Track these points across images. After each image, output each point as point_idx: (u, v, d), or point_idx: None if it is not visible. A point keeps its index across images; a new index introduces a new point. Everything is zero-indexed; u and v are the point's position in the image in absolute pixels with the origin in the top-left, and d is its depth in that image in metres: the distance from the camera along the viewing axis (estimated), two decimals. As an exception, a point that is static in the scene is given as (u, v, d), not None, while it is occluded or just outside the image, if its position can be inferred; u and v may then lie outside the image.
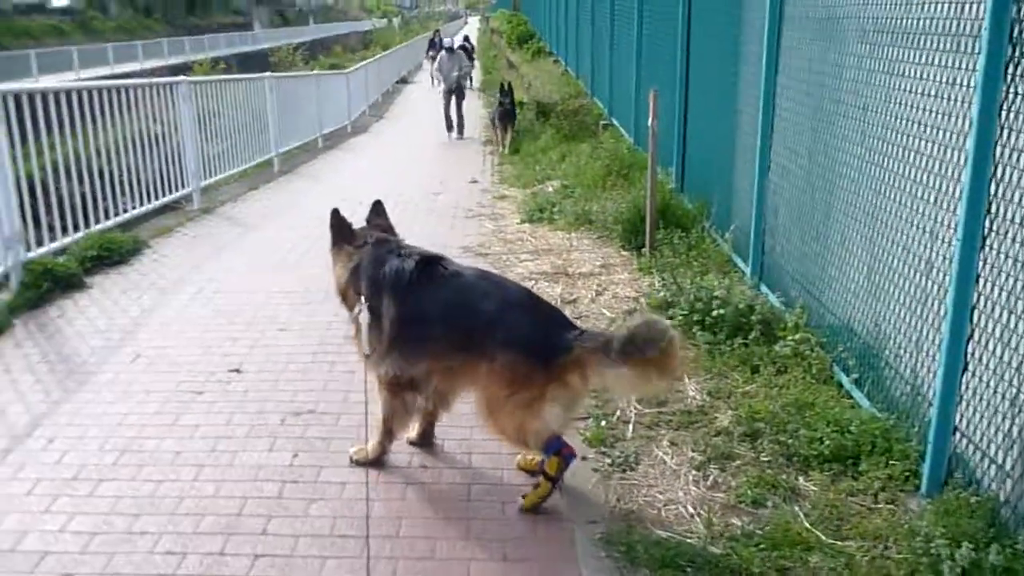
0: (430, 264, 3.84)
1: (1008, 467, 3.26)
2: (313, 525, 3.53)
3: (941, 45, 3.80)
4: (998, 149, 3.32)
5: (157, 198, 9.29)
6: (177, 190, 9.73)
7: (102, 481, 3.87)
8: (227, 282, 6.97)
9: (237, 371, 5.10)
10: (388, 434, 3.99)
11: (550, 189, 10.45)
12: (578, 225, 8.55)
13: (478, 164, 13.49)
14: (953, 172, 3.70)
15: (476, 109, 19.88)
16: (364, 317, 3.74)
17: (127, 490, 3.80)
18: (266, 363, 5.22)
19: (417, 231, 8.61)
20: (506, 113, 15.00)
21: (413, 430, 4.17)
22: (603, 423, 4.38)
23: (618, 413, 4.49)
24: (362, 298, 3.81)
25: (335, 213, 4.16)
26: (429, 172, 12.80)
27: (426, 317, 3.74)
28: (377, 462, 4.00)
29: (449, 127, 17.09)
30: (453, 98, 17.00)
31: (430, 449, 4.19)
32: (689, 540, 3.41)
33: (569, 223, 8.65)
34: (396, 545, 3.41)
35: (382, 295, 3.79)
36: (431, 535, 3.48)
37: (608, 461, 4.04)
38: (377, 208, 4.33)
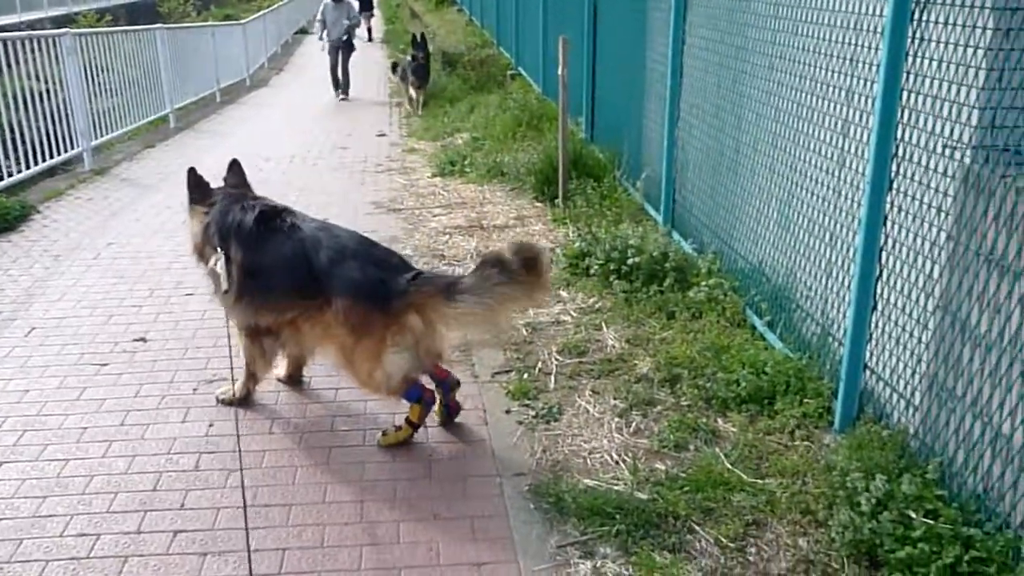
0: (270, 216, 3.89)
1: (916, 401, 3.39)
2: (234, 497, 3.43)
3: (846, -11, 3.84)
4: (904, 95, 3.39)
5: (44, 160, 8.81)
6: (66, 151, 9.25)
7: (3, 463, 3.68)
8: (126, 247, 6.67)
9: (143, 340, 4.89)
10: (251, 377, 4.14)
11: (460, 142, 10.33)
12: (490, 177, 8.49)
13: (385, 117, 13.22)
14: (861, 117, 3.76)
15: (379, 62, 19.40)
16: (220, 266, 3.80)
17: (31, 471, 3.62)
18: (174, 331, 5.04)
19: (326, 188, 8.43)
20: (420, 68, 13.33)
21: (282, 369, 4.35)
22: (525, 376, 4.38)
23: (540, 365, 4.50)
24: (218, 249, 3.86)
25: (191, 172, 4.24)
26: (334, 126, 12.48)
27: (266, 269, 3.81)
28: (244, 402, 4.13)
29: (336, 85, 15.56)
30: (340, 54, 15.24)
31: (298, 388, 4.35)
32: (616, 487, 3.45)
33: (481, 175, 8.58)
34: (323, 511, 3.34)
35: (230, 245, 3.86)
36: (358, 498, 3.42)
37: (532, 413, 4.05)
38: (233, 167, 4.32)
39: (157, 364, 4.59)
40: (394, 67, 14.82)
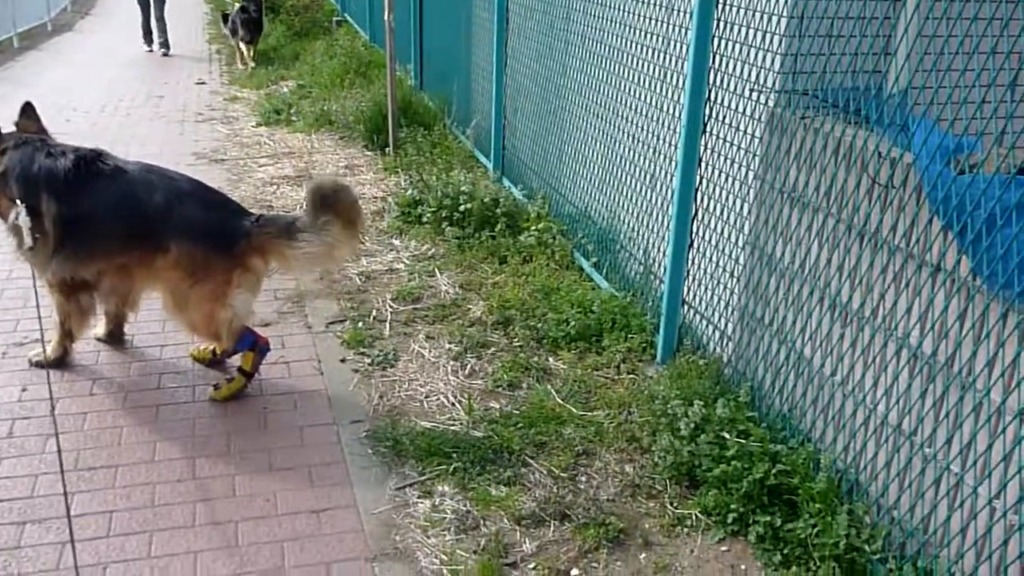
0: (90, 161, 3.67)
1: (729, 331, 3.64)
2: (53, 462, 3.25)
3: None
4: (715, 42, 3.57)
5: None
6: None
7: None
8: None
9: (-59, 303, 4.52)
10: (67, 335, 3.91)
11: (285, 90, 9.98)
12: (318, 126, 8.27)
13: (204, 64, 12.57)
14: (676, 63, 3.93)
15: (197, 10, 18.33)
16: (24, 219, 3.52)
17: None
18: (-24, 292, 4.67)
19: (142, 138, 7.98)
20: (251, 21, 11.89)
21: (101, 327, 4.14)
22: (360, 324, 4.36)
23: (374, 313, 4.49)
24: (18, 201, 3.58)
25: None
26: (150, 74, 11.73)
27: (91, 216, 3.61)
28: (59, 363, 3.89)
29: (148, 37, 13.30)
30: (153, 9, 13.08)
31: (120, 346, 4.16)
32: (452, 427, 3.52)
33: (309, 124, 8.35)
34: (153, 470, 3.23)
35: (39, 195, 3.59)
36: (189, 455, 3.33)
37: (368, 361, 4.05)
38: (27, 110, 3.99)
39: (-42, 328, 4.26)
40: (225, 19, 12.85)
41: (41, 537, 2.87)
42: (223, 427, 3.53)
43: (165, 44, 13.10)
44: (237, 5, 12.20)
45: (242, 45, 11.98)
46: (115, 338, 4.16)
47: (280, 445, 3.42)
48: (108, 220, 3.59)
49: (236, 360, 3.80)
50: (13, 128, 3.89)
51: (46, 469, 3.22)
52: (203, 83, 10.93)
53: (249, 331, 3.69)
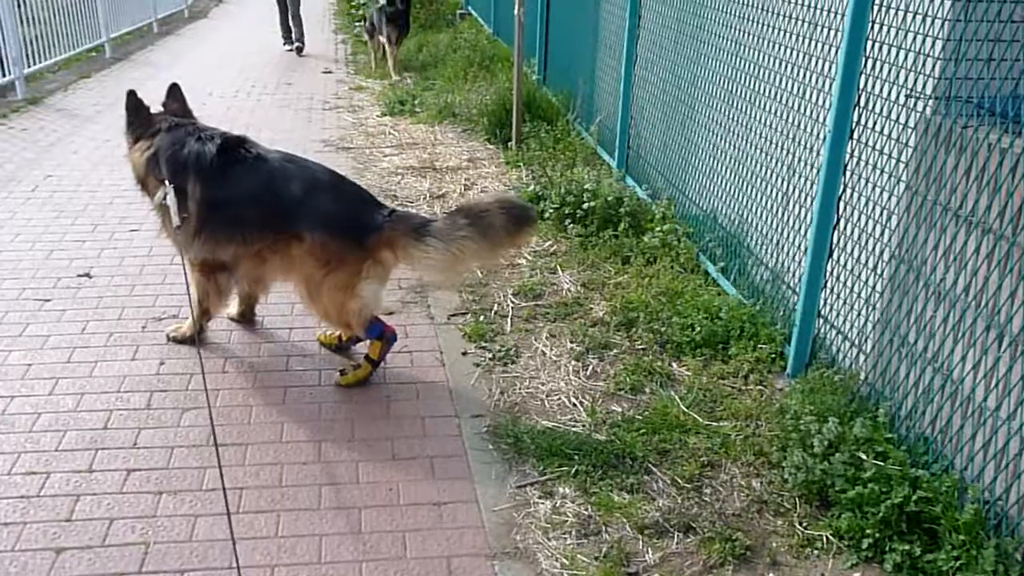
0: (233, 147, 3.76)
1: (868, 348, 3.47)
2: (188, 435, 3.37)
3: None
4: (869, 44, 3.40)
5: (-27, 86, 8.40)
6: (-3, 78, 8.83)
7: (-56, 400, 3.56)
8: (66, 179, 6.43)
9: (87, 276, 4.75)
10: (204, 313, 4.01)
11: (409, 81, 10.12)
12: (441, 118, 8.36)
13: (330, 53, 12.88)
14: (823, 65, 3.78)
15: (323, 8, 18.75)
16: (171, 199, 3.63)
17: (-26, 409, 3.50)
18: (119, 267, 4.89)
19: (272, 124, 8.21)
20: (398, 15, 10.49)
21: (233, 307, 4.27)
22: (481, 318, 4.37)
23: (496, 308, 4.49)
24: (166, 182, 3.69)
25: (131, 95, 4.02)
26: (279, 62, 12.11)
27: (232, 201, 3.68)
28: (194, 340, 3.93)
29: (287, 37, 12.96)
30: (289, 5, 12.53)
31: (251, 326, 4.28)
32: (574, 428, 3.48)
33: (432, 116, 8.44)
34: (280, 450, 3.31)
35: (187, 178, 3.70)
36: (315, 438, 3.40)
37: (489, 355, 4.04)
38: (173, 92, 4.13)
39: (103, 301, 4.46)
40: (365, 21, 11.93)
41: (176, 508, 2.97)
42: (348, 413, 3.58)
43: (300, 42, 12.73)
44: (380, 1, 11.02)
45: (385, 43, 10.70)
46: (246, 319, 4.29)
47: (402, 435, 3.45)
48: (247, 206, 3.67)
49: (362, 347, 3.86)
50: (161, 109, 4.03)
51: (180, 442, 3.33)
52: (329, 72, 11.20)
53: (377, 320, 3.73)
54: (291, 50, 12.74)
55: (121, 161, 6.89)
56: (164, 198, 3.68)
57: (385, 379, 3.84)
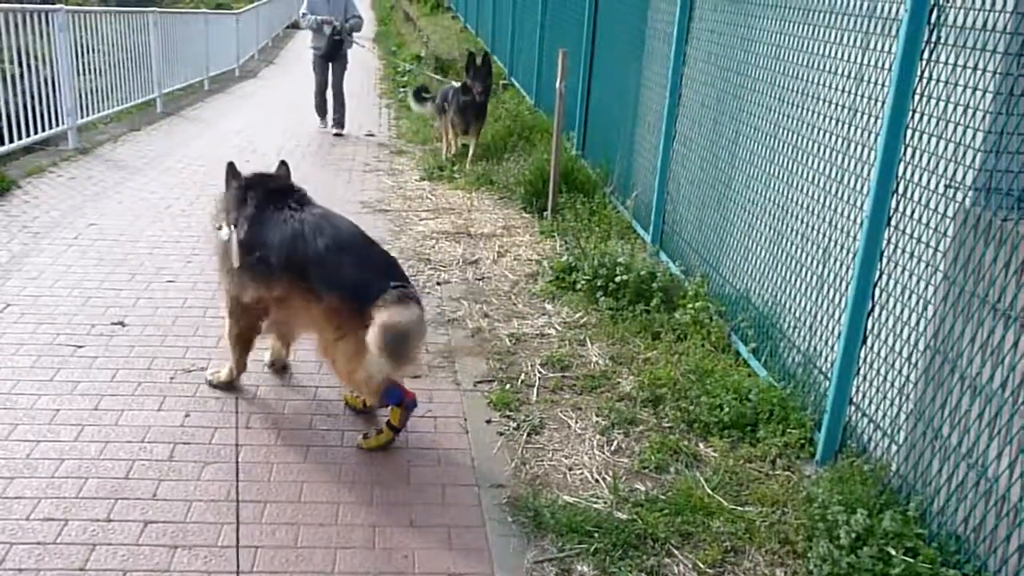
0: (277, 193, 3.89)
1: (900, 439, 3.40)
2: (207, 489, 3.36)
3: (856, 25, 3.86)
4: (908, 132, 3.41)
5: (28, 135, 8.66)
6: (50, 127, 9.10)
7: (-29, 440, 3.58)
8: (108, 228, 6.56)
9: (121, 324, 4.80)
10: (236, 357, 4.12)
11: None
12: (479, 185, 8.46)
13: (374, 116, 13.15)
14: (862, 151, 3.78)
15: (368, 71, 19.19)
16: (224, 234, 3.81)
17: None
18: (153, 316, 4.95)
19: (315, 183, 8.30)
20: (475, 106, 9.15)
21: (267, 355, 4.39)
22: (507, 387, 4.34)
23: (522, 377, 4.46)
24: (226, 218, 3.87)
25: (230, 166, 4.13)
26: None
27: (264, 244, 3.76)
28: (229, 386, 4.14)
29: (322, 111, 11.44)
30: (331, 68, 11.06)
31: (282, 375, 4.37)
32: (595, 505, 3.42)
33: (469, 183, 8.55)
34: (298, 510, 3.28)
35: (237, 219, 3.85)
36: (334, 500, 3.37)
37: (513, 425, 4.01)
38: (282, 167, 4.23)
39: (134, 350, 4.50)
40: (420, 94, 10.76)
41: (190, 563, 2.94)
42: (368, 476, 3.55)
43: (339, 122, 11.26)
44: (454, 83, 9.81)
45: (456, 133, 9.54)
46: (277, 368, 4.37)
47: (422, 501, 3.41)
48: (276, 253, 3.71)
49: (386, 411, 3.84)
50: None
51: (200, 496, 3.32)
52: (372, 135, 11.41)
53: (396, 386, 3.71)
54: (324, 129, 11.42)
55: (163, 213, 7.07)
56: (226, 237, 3.84)
57: (407, 444, 3.82)
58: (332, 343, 3.62)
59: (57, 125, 9.24)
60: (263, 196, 3.86)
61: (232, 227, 3.83)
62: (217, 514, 3.21)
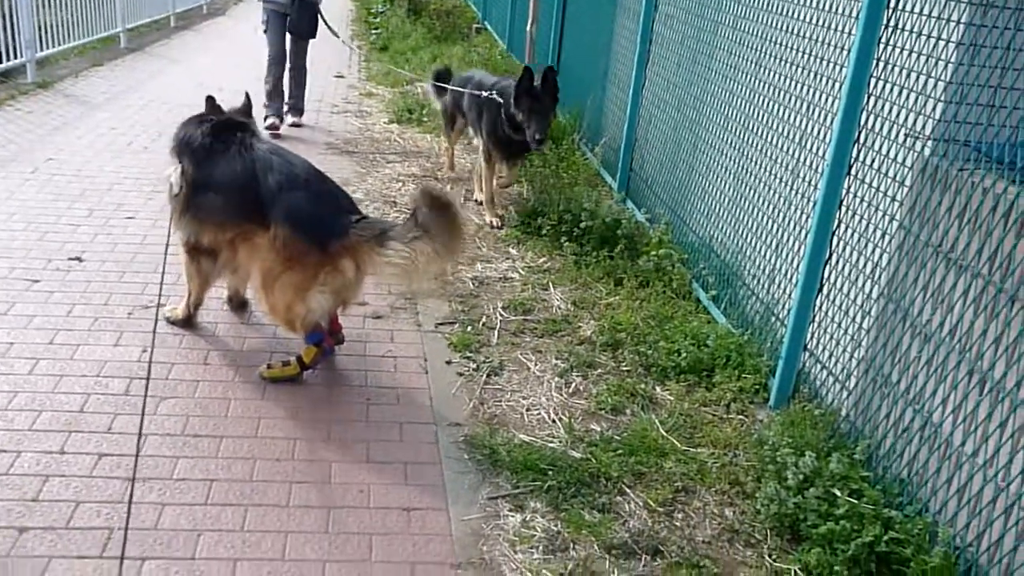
0: (225, 130, 3.83)
1: (851, 384, 3.46)
2: (163, 424, 3.35)
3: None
4: (872, 81, 3.41)
5: (-16, 66, 8.42)
6: (8, 60, 8.85)
7: (-78, 372, 3.54)
8: (67, 163, 6.43)
9: (78, 260, 4.73)
10: (190, 296, 4.08)
11: (420, 90, 10.14)
12: (447, 128, 8.35)
13: (344, 57, 12.91)
14: (826, 100, 3.78)
15: (341, 10, 18.75)
16: (174, 177, 3.78)
17: (-49, 382, 3.49)
18: (111, 252, 4.88)
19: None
20: (522, 144, 5.73)
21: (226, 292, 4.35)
22: (468, 328, 4.36)
23: (484, 319, 4.48)
24: (177, 160, 3.83)
25: (209, 99, 4.16)
26: (292, 63, 12.13)
27: (213, 184, 3.73)
28: (186, 323, 4.11)
29: (276, 100, 7.84)
30: (289, 37, 7.73)
31: (240, 313, 4.32)
32: (551, 444, 3.46)
33: (439, 126, 8.43)
34: (255, 445, 3.29)
35: (184, 159, 3.82)
36: (291, 436, 3.38)
37: (472, 366, 4.03)
38: (246, 99, 4.29)
39: (91, 285, 4.45)
40: (440, 82, 6.78)
41: (144, 495, 2.94)
42: (326, 413, 3.56)
43: (297, 108, 8.16)
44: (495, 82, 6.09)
45: (499, 160, 6.06)
46: (233, 303, 4.33)
47: (379, 439, 3.43)
48: (225, 192, 3.69)
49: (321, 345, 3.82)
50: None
51: (155, 430, 3.31)
52: (341, 77, 11.23)
53: (320, 329, 3.68)
54: (274, 127, 7.67)
55: (123, 150, 6.94)
56: (170, 175, 3.79)
57: (366, 383, 3.83)
58: (275, 275, 3.57)
59: (15, 58, 8.99)
60: (213, 132, 3.81)
61: (179, 164, 3.78)
62: (173, 448, 3.21)
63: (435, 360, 4.06)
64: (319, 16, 7.72)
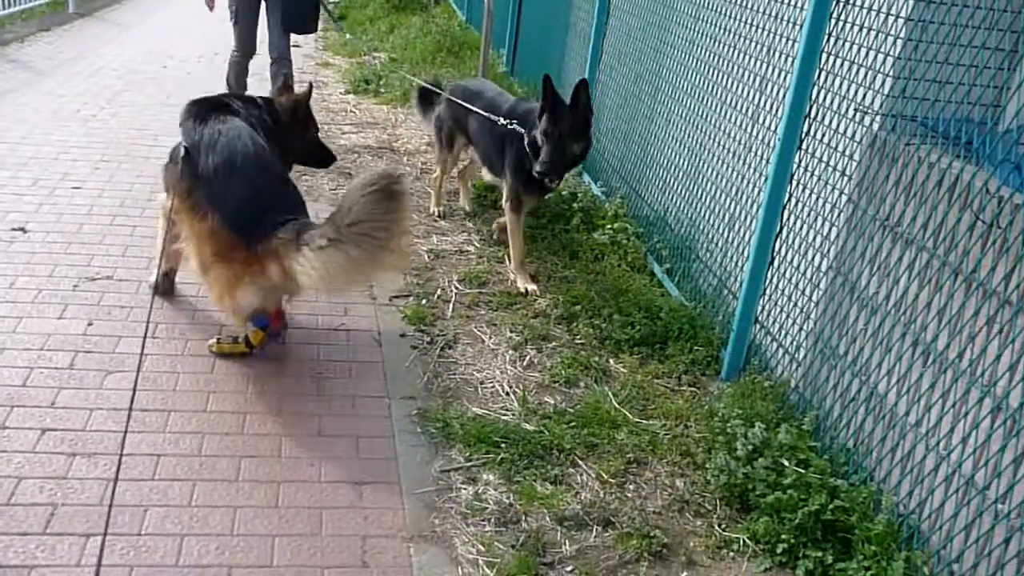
0: (207, 105, 3.75)
1: (800, 356, 3.51)
2: (109, 398, 3.30)
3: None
4: (823, 57, 3.43)
5: (-75, 30, 8.14)
6: (-50, 24, 8.57)
7: None
8: (11, 131, 6.25)
9: (22, 230, 4.61)
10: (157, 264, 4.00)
11: (376, 62, 10.02)
12: (404, 100, 8.26)
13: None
14: (779, 75, 3.80)
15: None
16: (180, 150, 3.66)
17: None
18: (57, 223, 4.76)
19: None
20: (558, 138, 4.36)
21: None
22: (423, 302, 4.33)
23: (439, 292, 4.46)
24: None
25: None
26: (246, 31, 11.89)
27: (175, 155, 3.67)
28: (159, 289, 4.00)
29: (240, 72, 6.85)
30: (271, 45, 6.72)
31: (167, 297, 4.12)
32: (504, 417, 3.46)
33: (395, 97, 8.36)
34: (204, 420, 3.25)
35: (183, 125, 3.72)
36: (241, 410, 3.34)
37: (427, 339, 4.01)
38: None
39: (36, 256, 4.34)
40: (425, 99, 5.86)
41: (88, 471, 2.89)
42: (277, 387, 3.53)
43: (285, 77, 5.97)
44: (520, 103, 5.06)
45: (524, 202, 4.77)
46: (162, 289, 4.05)
47: (331, 412, 3.40)
48: (185, 164, 3.57)
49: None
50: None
51: (101, 404, 3.25)
52: (297, 46, 11.01)
53: (266, 314, 3.59)
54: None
55: (71, 118, 6.76)
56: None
57: (319, 356, 3.80)
58: (208, 263, 3.46)
59: (-43, 21, 8.72)
60: (216, 103, 3.75)
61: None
62: (118, 422, 3.15)
63: (389, 333, 4.04)
64: (320, 2, 6.55)
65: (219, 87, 8.09)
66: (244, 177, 3.46)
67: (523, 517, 2.93)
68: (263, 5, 6.43)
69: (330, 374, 3.66)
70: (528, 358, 3.94)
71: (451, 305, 4.35)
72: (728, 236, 4.19)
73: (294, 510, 2.84)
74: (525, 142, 4.53)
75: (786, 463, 3.03)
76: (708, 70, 4.51)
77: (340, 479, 3.02)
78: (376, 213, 3.13)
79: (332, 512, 2.85)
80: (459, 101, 5.15)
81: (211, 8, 6.75)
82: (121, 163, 5.77)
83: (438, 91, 5.63)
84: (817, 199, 3.46)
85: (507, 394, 3.64)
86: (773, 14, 3.86)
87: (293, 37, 6.82)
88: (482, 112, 4.89)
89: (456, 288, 4.52)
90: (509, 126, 4.63)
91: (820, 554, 2.78)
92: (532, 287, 4.52)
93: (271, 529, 2.74)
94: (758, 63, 3.98)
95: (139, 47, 9.74)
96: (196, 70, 8.92)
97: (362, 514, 2.86)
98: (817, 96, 3.48)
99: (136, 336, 3.73)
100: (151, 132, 6.67)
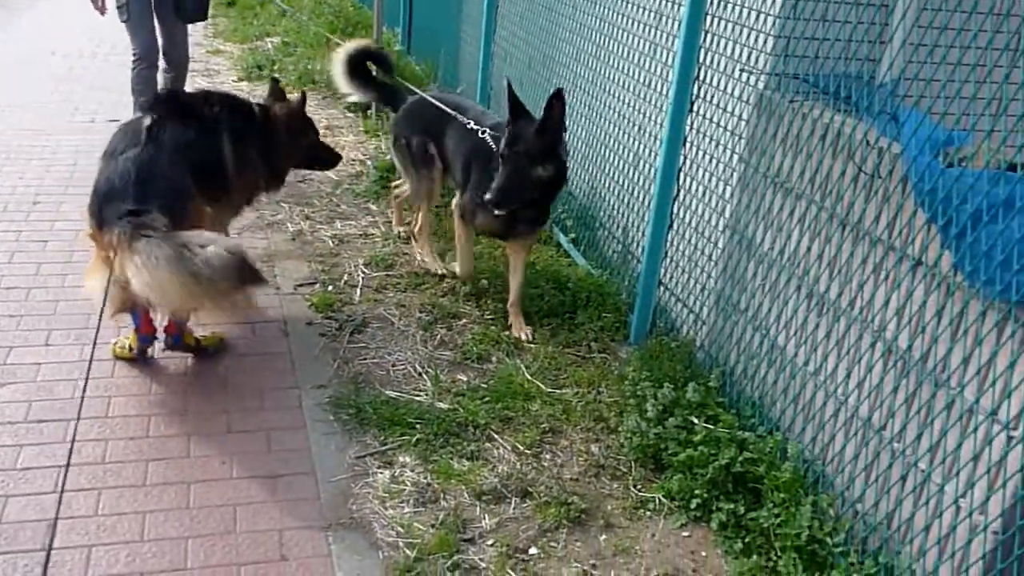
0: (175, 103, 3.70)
1: (704, 315, 3.58)
2: (3, 412, 3.16)
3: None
4: (708, 19, 3.48)
5: None
6: None
7: None
8: None
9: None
10: None
11: (270, 46, 9.77)
12: (301, 85, 8.08)
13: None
14: (667, 39, 3.84)
15: None
16: None
17: None
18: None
19: (120, 87, 7.74)
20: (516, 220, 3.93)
21: None
22: (330, 288, 4.27)
23: (345, 278, 4.40)
24: None
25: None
26: (130, 21, 11.43)
27: None
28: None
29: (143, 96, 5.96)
30: (163, 43, 6.14)
31: None
32: (417, 398, 3.45)
33: (291, 82, 8.16)
34: (106, 426, 3.14)
35: None
36: (145, 412, 3.24)
37: (335, 325, 3.96)
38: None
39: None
40: (356, 70, 4.97)
41: (-15, 489, 2.78)
42: (181, 386, 3.44)
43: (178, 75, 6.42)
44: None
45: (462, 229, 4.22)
46: None
47: (240, 407, 3.34)
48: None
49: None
50: None
51: (-5, 419, 3.12)
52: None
53: (138, 312, 3.39)
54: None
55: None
56: None
57: (224, 352, 3.70)
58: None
59: None
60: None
61: None
62: (15, 436, 3.03)
63: (296, 322, 3.97)
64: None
65: (106, 82, 7.81)
66: (114, 160, 3.31)
67: (441, 495, 2.93)
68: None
69: (237, 368, 3.59)
70: (439, 337, 3.92)
71: (358, 289, 4.30)
72: (629, 202, 4.24)
73: (206, 510, 2.78)
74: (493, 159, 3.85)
75: (695, 420, 3.10)
76: (600, 36, 4.53)
77: (253, 474, 2.97)
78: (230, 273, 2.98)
79: (246, 508, 2.80)
80: (433, 103, 4.41)
81: (102, 12, 6.07)
82: (11, 166, 5.54)
83: (383, 62, 5.03)
84: (711, 160, 3.52)
85: (419, 375, 3.63)
86: (658, -21, 3.90)
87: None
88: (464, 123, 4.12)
89: (363, 272, 4.47)
90: (481, 135, 3.98)
91: (732, 506, 2.86)
92: (527, 334, 3.93)
93: (183, 531, 2.68)
94: (648, 29, 4.02)
95: (20, 41, 9.29)
96: (79, 65, 8.55)
97: (277, 508, 2.82)
98: (705, 59, 3.53)
99: (29, 345, 3.60)
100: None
